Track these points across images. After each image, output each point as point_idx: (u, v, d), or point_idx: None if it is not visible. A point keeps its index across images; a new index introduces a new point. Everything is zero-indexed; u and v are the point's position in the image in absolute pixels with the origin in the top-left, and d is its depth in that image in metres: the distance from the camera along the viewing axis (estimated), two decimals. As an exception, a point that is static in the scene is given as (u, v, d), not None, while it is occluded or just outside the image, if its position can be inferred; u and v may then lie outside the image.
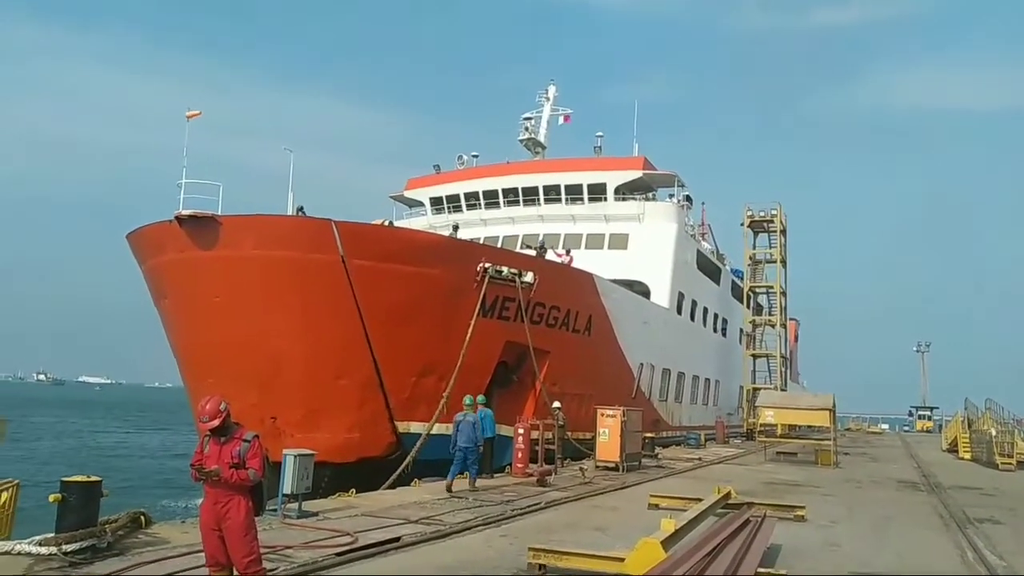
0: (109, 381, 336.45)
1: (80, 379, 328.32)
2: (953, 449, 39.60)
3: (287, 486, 12.65)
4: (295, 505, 12.67)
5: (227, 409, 7.15)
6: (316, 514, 12.73)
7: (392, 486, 17.58)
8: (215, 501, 6.96)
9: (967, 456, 35.59)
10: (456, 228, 26.73)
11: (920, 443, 52.59)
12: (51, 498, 9.17)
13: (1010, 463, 29.32)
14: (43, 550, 8.61)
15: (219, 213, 18.75)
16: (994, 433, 31.84)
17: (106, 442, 54.18)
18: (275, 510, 12.71)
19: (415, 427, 20.59)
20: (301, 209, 20.53)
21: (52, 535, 8.90)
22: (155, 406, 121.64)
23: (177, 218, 18.76)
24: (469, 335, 21.01)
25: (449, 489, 15.81)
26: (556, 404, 22.72)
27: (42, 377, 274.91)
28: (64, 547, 8.68)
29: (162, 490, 29.70)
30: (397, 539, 10.74)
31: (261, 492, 7.20)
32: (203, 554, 9.33)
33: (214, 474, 6.87)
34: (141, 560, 8.96)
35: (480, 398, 19.51)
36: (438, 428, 21.25)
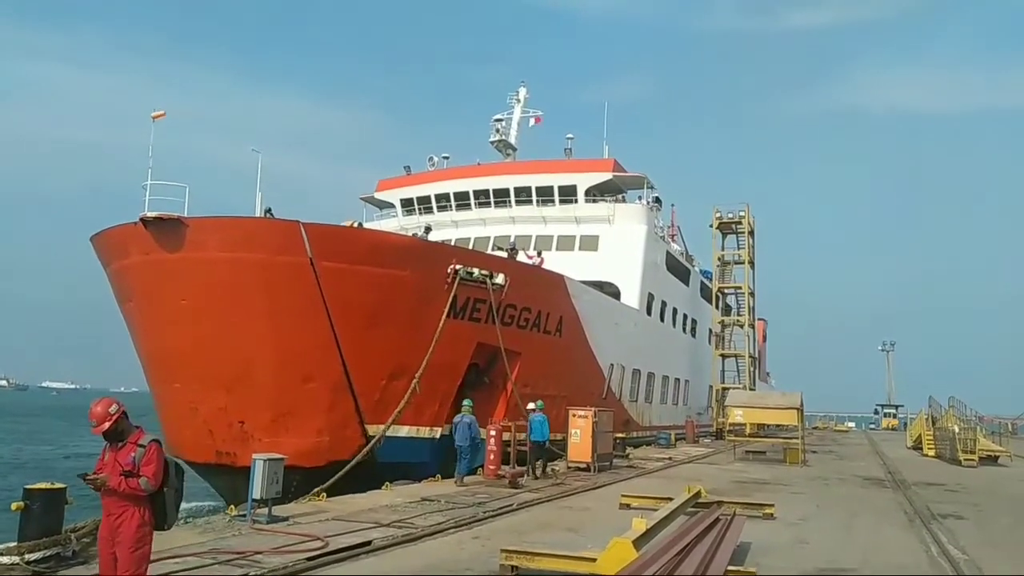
0: (74, 386, 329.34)
1: (43, 384, 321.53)
2: (918, 446, 40.31)
3: (256, 491, 12.51)
4: (265, 510, 12.54)
5: (119, 411, 6.49)
6: (286, 519, 12.61)
7: (350, 487, 17.24)
8: (108, 513, 6.44)
9: (931, 453, 36.25)
10: (428, 229, 26.65)
11: (886, 441, 53.48)
12: (13, 506, 8.99)
13: (973, 459, 29.93)
14: (5, 559, 8.44)
15: (185, 215, 18.50)
16: (957, 430, 32.44)
17: (68, 450, 53.09)
18: (244, 515, 12.59)
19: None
20: (269, 211, 20.35)
21: (15, 544, 8.72)
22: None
23: (142, 220, 18.48)
24: (436, 336, 20.95)
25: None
26: (531, 405, 22.72)
27: (3, 383, 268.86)
28: (27, 556, 8.52)
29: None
30: (368, 543, 10.67)
31: (163, 503, 6.54)
32: (170, 561, 9.26)
33: (100, 482, 6.33)
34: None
35: (539, 403, 21.40)
36: (408, 431, 21.24)
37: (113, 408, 6.46)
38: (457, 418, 19.49)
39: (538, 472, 20.50)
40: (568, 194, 38.29)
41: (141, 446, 6.44)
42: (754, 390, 48.20)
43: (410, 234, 25.43)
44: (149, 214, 18.39)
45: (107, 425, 6.42)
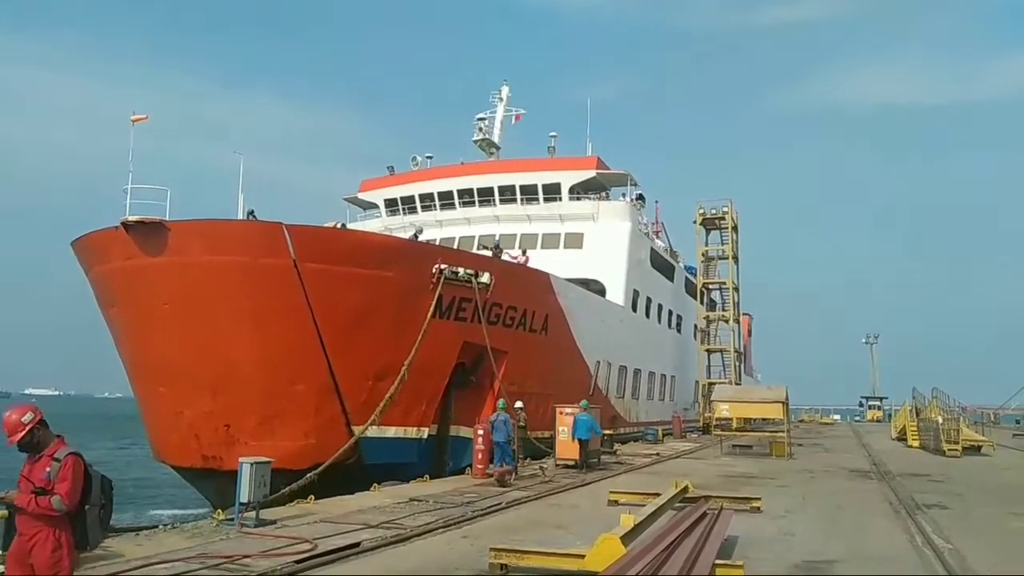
0: (57, 393, 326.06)
1: (26, 391, 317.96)
2: (902, 437, 40.68)
3: (244, 494, 12.46)
4: (252, 514, 12.49)
5: (34, 420, 5.81)
6: (274, 522, 12.56)
7: (338, 489, 17.12)
8: (21, 533, 5.79)
9: (916, 444, 36.59)
10: (418, 233, 26.30)
11: (871, 432, 53.94)
12: (-3, 515, 8.91)
13: (956, 449, 30.24)
14: (-11, 569, 8.35)
15: (167, 218, 18.38)
16: (941, 421, 32.78)
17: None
18: (232, 520, 12.54)
19: (372, 431, 20.44)
20: (252, 213, 20.25)
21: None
22: (101, 417, 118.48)
23: (123, 224, 18.35)
24: (420, 336, 20.91)
25: (491, 475, 18.75)
26: (519, 404, 22.77)
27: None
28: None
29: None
30: (357, 544, 10.65)
31: (84, 522, 5.89)
32: (159, 566, 9.22)
33: (7, 502, 5.81)
34: (93, 575, 8.75)
35: (583, 403, 22.50)
36: (395, 432, 21.21)
37: (28, 416, 5.80)
38: (493, 417, 19.95)
39: (586, 464, 21.70)
40: (552, 192, 38.38)
41: (57, 460, 5.78)
42: (740, 385, 48.45)
43: (402, 235, 25.23)
44: (130, 218, 18.27)
45: (20, 436, 5.81)
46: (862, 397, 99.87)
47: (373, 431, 20.44)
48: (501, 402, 20.80)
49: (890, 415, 69.61)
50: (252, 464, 12.70)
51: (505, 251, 30.15)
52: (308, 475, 17.67)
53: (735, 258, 50.85)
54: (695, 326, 52.26)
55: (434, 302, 21.51)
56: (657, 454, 28.44)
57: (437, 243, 32.62)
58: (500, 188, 38.64)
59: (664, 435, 37.63)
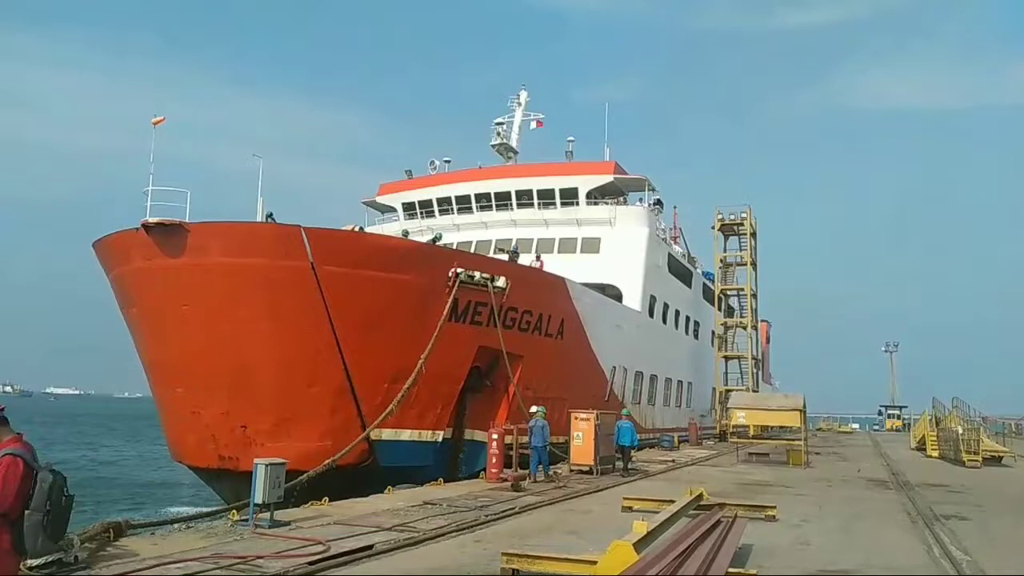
0: (78, 392, 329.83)
1: (47, 390, 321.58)
2: (921, 447, 40.26)
3: (258, 495, 12.53)
4: (267, 515, 12.56)
5: None
6: (288, 523, 12.63)
7: (352, 492, 17.19)
8: None
9: (935, 454, 36.19)
10: (438, 238, 26.14)
11: (889, 442, 53.37)
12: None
13: (976, 460, 29.89)
14: (7, 565, 8.44)
15: (187, 220, 18.56)
16: (961, 431, 32.43)
17: (68, 455, 53.17)
18: (246, 520, 12.61)
19: (387, 434, 20.50)
20: (271, 215, 20.38)
21: (16, 550, 8.73)
22: (119, 417, 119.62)
23: (144, 226, 18.54)
24: (433, 340, 20.94)
25: (533, 480, 19.50)
26: (534, 408, 22.67)
27: (8, 389, 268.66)
28: (29, 562, 8.51)
29: (127, 502, 29.22)
30: (370, 547, 10.67)
31: (21, 528, 5.63)
32: (173, 566, 9.28)
33: None
34: (108, 574, 8.84)
35: (625, 411, 23.98)
36: (410, 435, 21.27)
37: None
38: (532, 422, 20.35)
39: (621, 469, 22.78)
40: (569, 197, 38.38)
41: None
42: (757, 392, 48.19)
43: (400, 234, 25.36)
44: (151, 220, 18.46)
45: None
46: (881, 406, 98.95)
47: (388, 434, 20.51)
48: (540, 409, 21.03)
49: (909, 424, 68.95)
50: (267, 465, 12.76)
51: (522, 255, 30.15)
52: (325, 463, 17.94)
53: (753, 264, 50.71)
54: (712, 332, 52.07)
55: (450, 305, 21.56)
56: (672, 461, 28.32)
57: (454, 247, 32.68)
58: (517, 192, 38.67)
59: (680, 442, 37.44)
